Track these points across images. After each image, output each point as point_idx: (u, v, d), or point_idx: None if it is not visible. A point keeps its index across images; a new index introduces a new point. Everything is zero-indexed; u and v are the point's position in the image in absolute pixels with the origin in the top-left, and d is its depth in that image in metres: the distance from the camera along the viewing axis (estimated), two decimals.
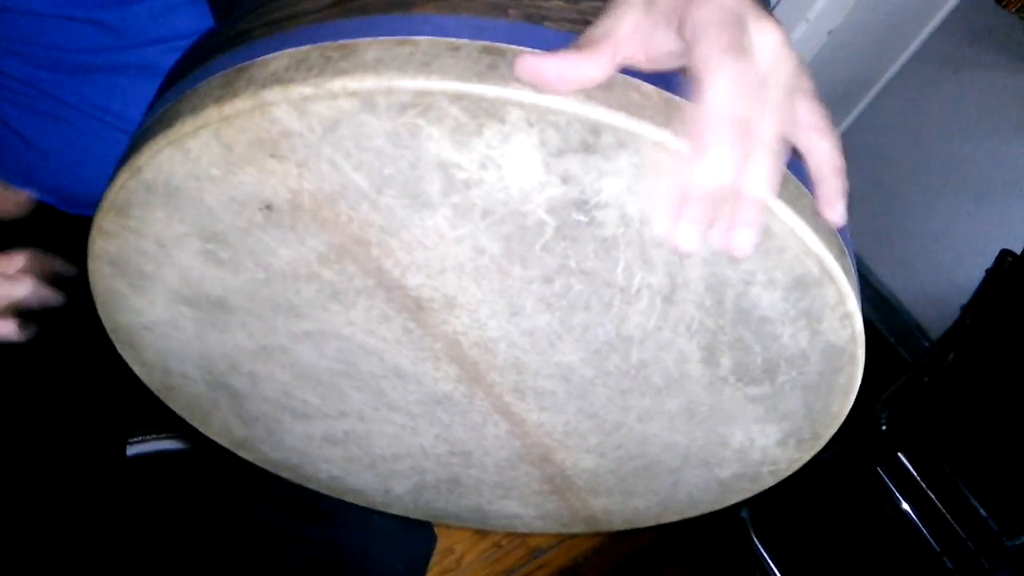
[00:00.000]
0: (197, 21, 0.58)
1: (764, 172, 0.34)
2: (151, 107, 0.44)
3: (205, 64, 0.40)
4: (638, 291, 0.42)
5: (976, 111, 1.39)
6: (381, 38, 0.36)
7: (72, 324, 0.58)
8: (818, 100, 0.37)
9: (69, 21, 0.58)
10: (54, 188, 0.66)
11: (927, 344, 1.45)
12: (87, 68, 0.60)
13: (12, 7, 0.57)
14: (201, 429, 0.60)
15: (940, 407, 1.08)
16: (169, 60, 0.59)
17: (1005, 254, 1.04)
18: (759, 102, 0.34)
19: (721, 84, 0.32)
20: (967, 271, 1.15)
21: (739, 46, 0.33)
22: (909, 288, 1.44)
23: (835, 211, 0.37)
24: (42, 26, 0.58)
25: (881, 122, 1.40)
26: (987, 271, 1.05)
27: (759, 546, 1.17)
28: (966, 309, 1.07)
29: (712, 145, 0.33)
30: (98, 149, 0.62)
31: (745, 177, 0.34)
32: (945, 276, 1.40)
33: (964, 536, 1.06)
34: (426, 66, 0.34)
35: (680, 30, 0.34)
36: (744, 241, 0.36)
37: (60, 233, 0.65)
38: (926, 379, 1.06)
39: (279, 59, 0.36)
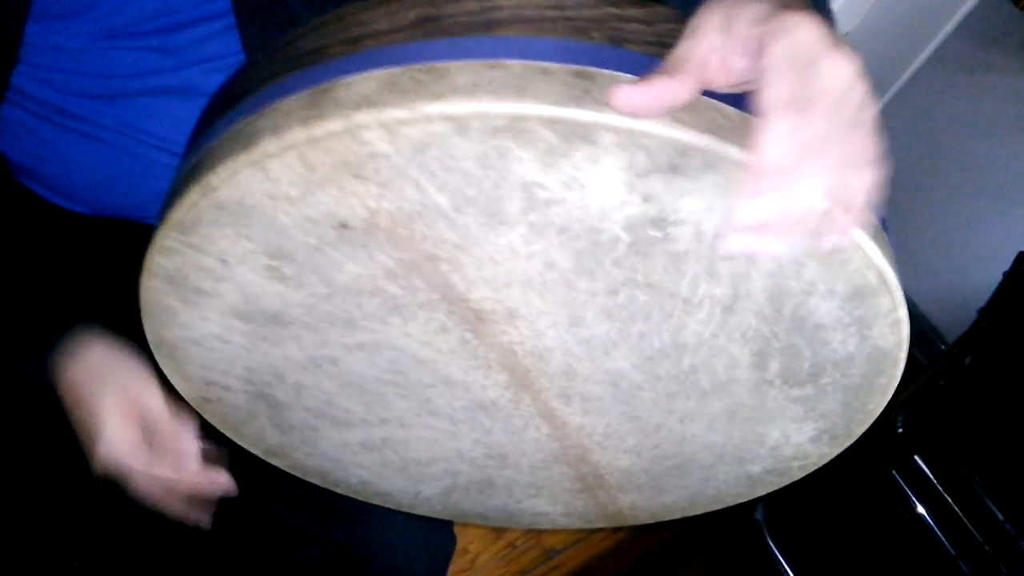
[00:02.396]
0: (234, 45, 0.58)
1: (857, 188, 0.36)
2: (209, 121, 0.43)
3: (278, 81, 0.40)
4: (700, 301, 0.44)
5: (993, 113, 1.41)
6: (470, 61, 0.36)
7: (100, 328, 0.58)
8: (875, 133, 0.38)
9: (106, 51, 0.57)
10: (88, 200, 0.65)
11: (943, 347, 1.45)
12: (124, 93, 0.59)
13: (49, 44, 0.56)
14: (233, 438, 0.59)
15: (956, 410, 1.10)
16: (206, 80, 0.59)
17: (1023, 257, 1.04)
18: (822, 138, 0.35)
19: (776, 135, 0.34)
20: (984, 274, 1.17)
21: (799, 98, 0.34)
22: (925, 291, 1.46)
23: (827, 240, 0.38)
24: (78, 57, 0.57)
25: (897, 124, 1.41)
26: (1004, 274, 1.06)
27: (773, 548, 1.18)
28: (983, 312, 1.08)
29: (767, 187, 0.35)
30: (132, 167, 0.61)
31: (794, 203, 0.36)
32: (961, 279, 1.42)
33: (981, 540, 1.07)
34: (521, 91, 0.35)
35: (756, 59, 0.35)
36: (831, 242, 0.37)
37: (93, 238, 0.64)
38: (942, 382, 1.08)
39: (366, 81, 0.36)
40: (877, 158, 0.38)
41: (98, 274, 0.63)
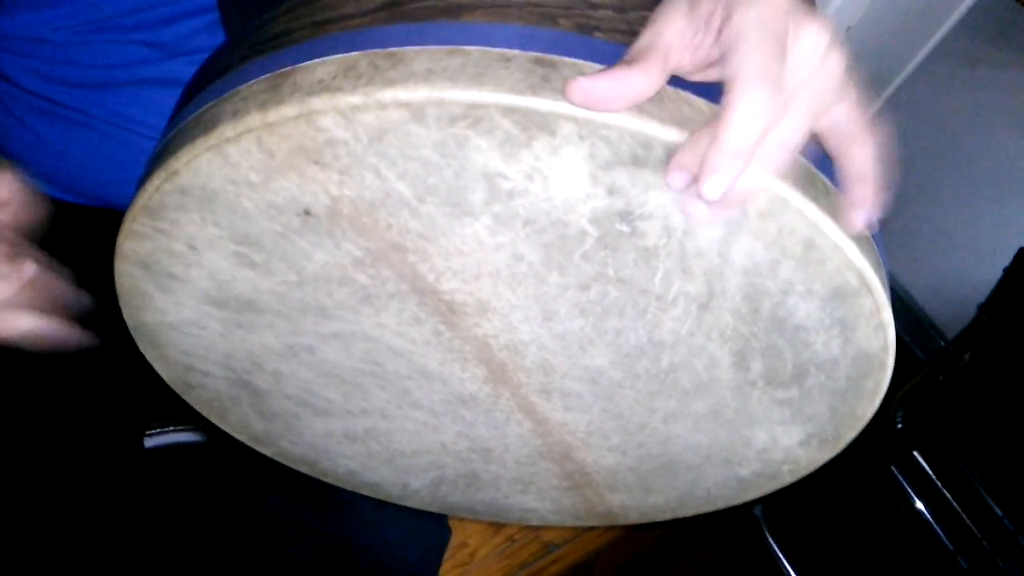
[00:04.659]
0: (222, 38, 0.58)
1: (768, 166, 0.34)
2: (181, 105, 0.43)
3: (243, 65, 0.39)
4: (674, 299, 0.42)
5: (994, 109, 1.39)
6: (430, 47, 0.35)
7: (89, 320, 0.58)
8: (861, 107, 0.36)
9: (93, 44, 0.57)
10: (74, 188, 0.65)
11: (942, 343, 1.44)
12: (112, 83, 0.60)
13: (37, 37, 0.56)
14: (219, 424, 0.59)
15: (956, 406, 1.08)
16: (193, 71, 0.59)
17: (1023, 252, 1.02)
18: (787, 109, 0.34)
19: (745, 108, 0.32)
20: (984, 270, 1.15)
21: (773, 67, 0.33)
22: (924, 286, 1.44)
23: (854, 217, 0.37)
24: (66, 49, 0.57)
25: (898, 119, 1.38)
26: (1005, 270, 1.04)
27: (772, 544, 1.18)
28: (983, 308, 1.06)
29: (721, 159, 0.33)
30: (120, 154, 0.62)
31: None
32: (961, 275, 1.39)
33: (979, 535, 1.06)
34: (478, 78, 0.34)
35: (719, 36, 0.34)
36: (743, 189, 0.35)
37: (77, 225, 0.65)
38: (941, 378, 1.07)
39: (325, 65, 0.36)
40: (863, 133, 0.37)
41: (84, 262, 0.64)
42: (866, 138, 0.37)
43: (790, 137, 0.34)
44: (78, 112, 0.60)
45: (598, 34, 0.37)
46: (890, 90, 1.40)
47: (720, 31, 0.34)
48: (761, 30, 0.33)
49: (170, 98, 0.59)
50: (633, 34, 0.37)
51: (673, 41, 0.34)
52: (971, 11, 1.31)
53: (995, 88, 1.37)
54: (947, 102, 1.42)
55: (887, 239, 0.45)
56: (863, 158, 0.37)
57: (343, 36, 0.37)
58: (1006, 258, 1.05)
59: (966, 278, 1.37)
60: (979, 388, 1.07)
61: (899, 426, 1.09)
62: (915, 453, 1.10)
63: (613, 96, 0.33)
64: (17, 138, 0.62)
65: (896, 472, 1.10)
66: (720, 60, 0.35)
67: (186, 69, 0.59)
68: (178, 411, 0.58)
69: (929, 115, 1.43)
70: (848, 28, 1.14)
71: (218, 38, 0.58)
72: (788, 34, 0.33)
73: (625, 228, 0.38)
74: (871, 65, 1.28)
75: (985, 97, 1.38)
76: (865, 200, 0.37)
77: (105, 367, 0.56)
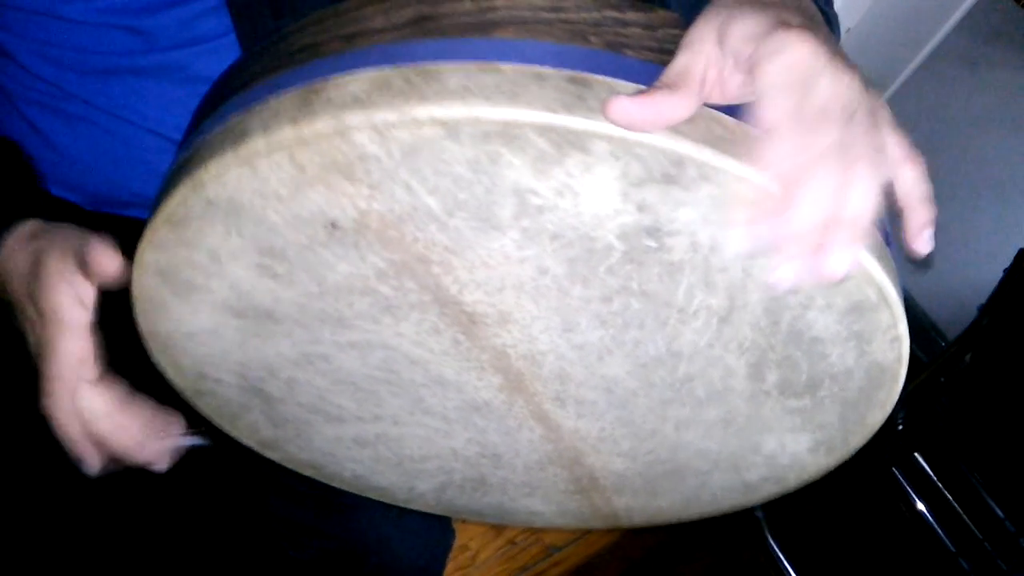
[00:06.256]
0: (223, 26, 0.58)
1: (862, 200, 0.34)
2: (204, 114, 0.43)
3: (271, 77, 0.39)
4: (696, 311, 0.43)
5: (994, 109, 1.40)
6: (464, 63, 0.35)
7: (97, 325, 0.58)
8: (900, 129, 0.37)
9: (100, 27, 0.57)
10: (78, 186, 0.65)
11: (943, 344, 1.45)
12: (115, 70, 0.59)
13: (44, 11, 0.56)
14: (228, 430, 0.59)
15: (957, 407, 1.10)
16: (195, 62, 0.59)
17: (1023, 254, 1.03)
18: (829, 154, 0.34)
19: (780, 155, 0.33)
20: (984, 271, 1.16)
21: (803, 113, 0.33)
22: (925, 287, 1.45)
23: (922, 241, 0.37)
24: (73, 30, 0.57)
25: (898, 120, 1.40)
26: (1005, 271, 1.05)
27: (774, 545, 1.19)
28: (983, 309, 1.07)
29: (801, 197, 0.33)
30: (123, 150, 0.61)
31: (840, 208, 0.34)
32: (962, 276, 1.41)
33: (980, 537, 1.07)
34: (514, 96, 0.34)
35: (749, 74, 0.35)
36: (840, 265, 0.35)
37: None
38: (943, 379, 1.08)
39: (358, 80, 0.36)
40: (911, 154, 0.37)
41: None
42: (915, 158, 0.37)
43: (868, 163, 0.34)
44: (81, 103, 0.59)
45: (628, 52, 0.37)
46: (890, 91, 1.41)
47: (752, 74, 0.34)
48: (787, 83, 0.33)
49: (171, 90, 0.59)
50: (662, 51, 0.37)
51: (709, 69, 0.35)
52: (971, 12, 1.32)
53: (995, 89, 1.38)
54: (947, 103, 1.43)
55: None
56: (916, 178, 0.37)
57: (374, 50, 0.37)
58: (1007, 259, 1.06)
59: (966, 279, 1.38)
60: (980, 389, 1.08)
61: (900, 427, 1.10)
62: (916, 454, 1.11)
63: (652, 118, 0.33)
64: (20, 135, 0.62)
65: (897, 473, 1.12)
66: (747, 99, 0.35)
67: (188, 60, 0.59)
68: (183, 415, 0.57)
69: (929, 116, 1.44)
70: (848, 29, 1.15)
71: (221, 25, 0.57)
72: (814, 78, 0.34)
73: (652, 243, 0.39)
74: (871, 66, 1.29)
75: (985, 98, 1.39)
76: (928, 222, 0.37)
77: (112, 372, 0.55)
